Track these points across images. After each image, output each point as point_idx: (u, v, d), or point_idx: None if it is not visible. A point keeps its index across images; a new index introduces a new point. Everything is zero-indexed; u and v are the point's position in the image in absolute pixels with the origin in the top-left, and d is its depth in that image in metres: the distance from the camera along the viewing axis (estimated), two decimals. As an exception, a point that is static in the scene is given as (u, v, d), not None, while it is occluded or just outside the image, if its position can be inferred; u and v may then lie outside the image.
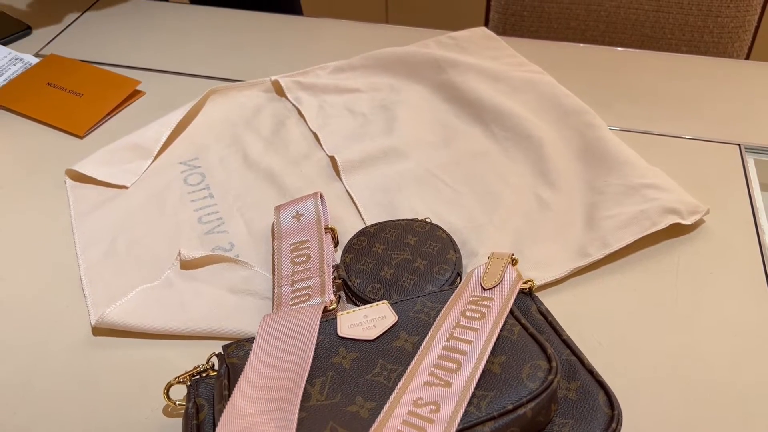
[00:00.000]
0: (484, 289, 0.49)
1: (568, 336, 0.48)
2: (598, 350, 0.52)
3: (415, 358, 0.45)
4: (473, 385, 0.42)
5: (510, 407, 0.41)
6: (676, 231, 0.61)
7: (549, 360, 0.43)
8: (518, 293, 0.51)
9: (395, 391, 0.43)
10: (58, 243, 0.62)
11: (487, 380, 0.43)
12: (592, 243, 0.59)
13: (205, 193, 0.67)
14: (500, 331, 0.46)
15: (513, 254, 0.52)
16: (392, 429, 0.40)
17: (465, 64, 0.79)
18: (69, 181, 0.68)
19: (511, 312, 0.47)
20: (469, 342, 0.45)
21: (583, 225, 0.61)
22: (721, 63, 0.84)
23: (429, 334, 0.46)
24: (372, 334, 0.47)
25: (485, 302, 0.48)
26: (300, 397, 0.42)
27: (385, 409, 0.42)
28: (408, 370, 0.44)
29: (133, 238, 0.62)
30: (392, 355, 0.46)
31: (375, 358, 0.45)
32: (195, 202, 0.66)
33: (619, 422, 0.43)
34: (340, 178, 0.68)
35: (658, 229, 0.59)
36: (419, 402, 0.42)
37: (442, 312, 0.48)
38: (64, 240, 0.62)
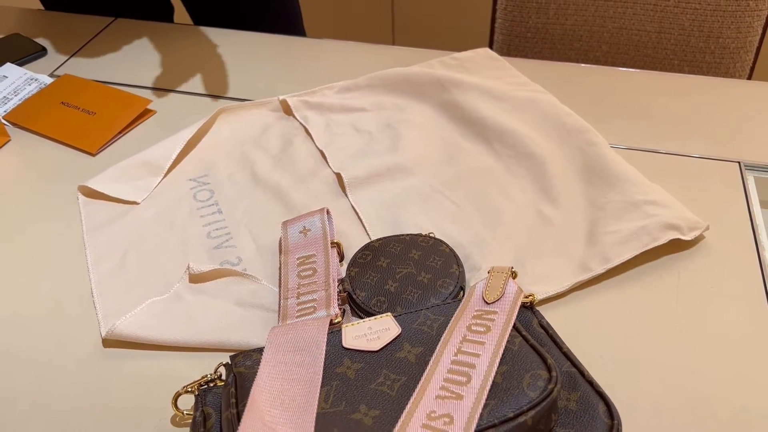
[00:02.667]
0: (486, 303, 0.50)
1: (568, 349, 0.49)
2: (598, 363, 0.53)
3: (426, 371, 0.46)
4: (484, 397, 0.43)
5: (511, 415, 0.42)
6: (676, 247, 0.62)
7: (549, 370, 0.44)
8: (519, 307, 0.52)
9: (408, 404, 0.44)
10: (70, 257, 0.63)
11: (489, 389, 0.43)
12: (593, 258, 0.60)
13: (213, 209, 0.68)
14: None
15: (512, 267, 0.53)
16: None
17: (468, 83, 0.81)
18: (81, 197, 0.70)
19: (513, 324, 0.48)
20: (477, 355, 0.46)
21: (584, 240, 0.62)
22: (721, 82, 0.86)
23: (437, 348, 0.47)
24: (376, 346, 0.48)
25: (489, 316, 0.49)
26: (315, 410, 0.43)
27: (399, 423, 0.42)
28: (420, 384, 0.45)
29: (143, 253, 0.63)
30: (396, 365, 0.47)
31: (379, 369, 0.46)
32: (204, 217, 0.67)
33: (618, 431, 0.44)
34: (346, 195, 0.69)
35: (659, 244, 0.60)
36: (432, 415, 0.43)
37: (449, 326, 0.49)
38: (76, 254, 0.64)
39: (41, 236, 0.66)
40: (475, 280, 0.56)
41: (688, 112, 0.80)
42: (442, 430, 0.42)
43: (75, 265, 0.63)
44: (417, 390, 0.45)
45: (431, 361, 0.46)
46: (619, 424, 0.44)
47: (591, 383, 0.46)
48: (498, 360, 0.45)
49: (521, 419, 0.42)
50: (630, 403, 0.50)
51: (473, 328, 0.49)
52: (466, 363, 0.46)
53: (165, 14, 1.13)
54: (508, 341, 0.47)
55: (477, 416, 0.42)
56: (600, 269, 0.59)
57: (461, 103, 0.79)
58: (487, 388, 0.44)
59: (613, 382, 0.52)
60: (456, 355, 0.47)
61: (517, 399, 0.42)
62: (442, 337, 0.48)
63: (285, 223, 0.62)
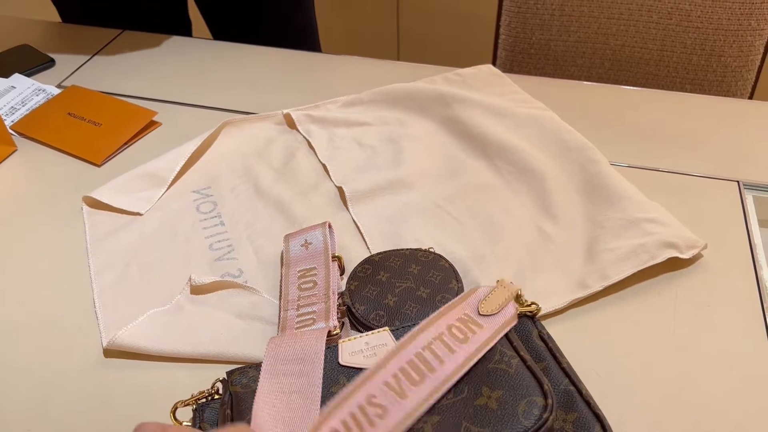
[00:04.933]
0: (479, 313, 0.50)
1: (568, 363, 0.49)
2: (595, 380, 0.53)
3: (390, 352, 0.46)
4: (425, 408, 0.43)
5: None
6: (674, 265, 0.62)
7: (545, 396, 0.44)
8: (521, 317, 0.52)
9: (360, 377, 0.44)
10: (73, 267, 0.64)
11: (483, 416, 0.43)
12: (591, 275, 0.60)
13: (216, 221, 0.69)
14: (497, 364, 0.46)
15: (520, 290, 0.53)
16: (337, 418, 0.42)
17: (471, 99, 0.81)
18: (86, 207, 0.70)
19: (510, 342, 0.48)
20: (442, 361, 0.46)
21: (583, 257, 0.63)
22: (722, 102, 0.86)
23: (412, 332, 0.47)
24: (372, 363, 0.48)
25: (474, 327, 0.49)
26: (314, 419, 0.43)
27: (343, 395, 0.43)
28: (379, 361, 0.45)
29: (146, 264, 0.64)
30: None
31: None
32: (206, 229, 0.68)
33: (614, 455, 0.44)
34: (347, 208, 0.70)
35: (657, 262, 0.60)
36: (372, 400, 0.43)
37: (433, 316, 0.49)
38: (80, 264, 0.64)
39: (45, 245, 0.66)
40: None
41: (688, 130, 0.81)
42: (370, 420, 0.42)
43: (78, 275, 0.63)
44: (375, 365, 0.45)
45: (399, 344, 0.47)
46: (615, 448, 0.44)
47: (588, 404, 0.46)
48: (459, 375, 0.45)
49: None
50: (626, 423, 0.50)
51: (453, 330, 0.48)
52: (428, 362, 0.46)
53: (183, 29, 1.14)
54: (504, 363, 0.46)
55: (408, 424, 0.42)
56: (598, 286, 0.59)
57: (464, 119, 0.79)
58: (434, 399, 0.44)
59: (610, 399, 0.52)
60: (423, 349, 0.46)
61: (511, 427, 0.42)
62: (421, 324, 0.48)
63: (287, 237, 0.63)
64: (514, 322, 0.50)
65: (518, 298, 0.53)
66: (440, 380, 0.45)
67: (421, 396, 0.44)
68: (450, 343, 0.47)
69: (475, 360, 0.47)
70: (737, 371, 0.54)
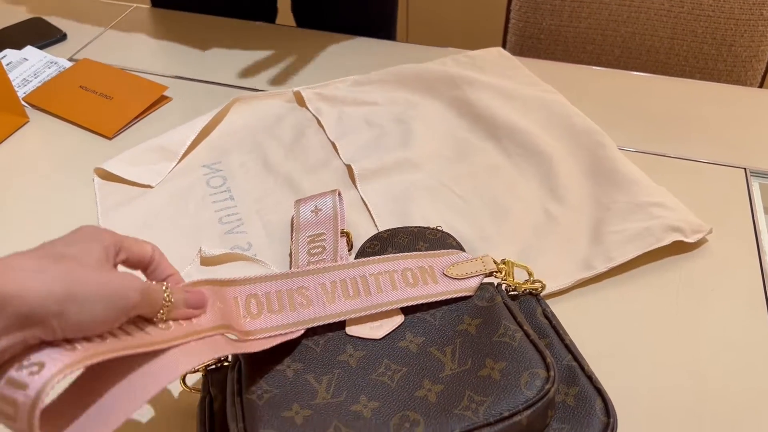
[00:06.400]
0: (443, 273, 0.52)
1: (570, 340, 0.50)
2: (597, 359, 0.54)
3: (340, 264, 0.50)
4: (341, 318, 0.48)
5: (506, 414, 0.42)
6: (679, 249, 0.63)
7: (548, 369, 0.44)
8: (525, 295, 0.53)
9: (303, 271, 0.49)
10: (84, 237, 0.65)
11: (486, 385, 0.44)
12: (596, 256, 0.61)
13: (226, 195, 0.70)
14: (501, 337, 0.47)
15: (499, 272, 0.53)
16: (265, 288, 0.47)
17: (480, 81, 0.82)
18: (97, 178, 0.71)
19: (514, 317, 0.49)
20: (381, 291, 0.49)
21: (589, 239, 0.63)
22: (731, 89, 0.87)
23: (367, 258, 0.51)
24: (379, 334, 0.49)
25: (429, 279, 0.51)
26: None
27: (282, 273, 0.48)
28: (327, 266, 0.50)
29: (156, 235, 0.65)
30: (397, 355, 0.47)
31: (380, 358, 0.47)
32: (216, 203, 0.69)
33: (614, 429, 0.44)
34: (356, 186, 0.70)
35: (662, 245, 0.61)
36: (303, 291, 0.48)
37: (397, 255, 0.52)
38: (91, 234, 0.65)
39: (56, 215, 0.67)
40: None
41: (697, 117, 0.81)
42: (292, 304, 0.47)
43: (89, 245, 0.64)
44: (322, 267, 0.50)
45: (350, 262, 0.51)
46: (615, 422, 0.45)
47: (590, 378, 0.47)
48: (386, 308, 0.49)
49: (516, 418, 0.42)
50: (627, 400, 0.51)
51: (407, 274, 0.51)
52: (367, 286, 0.49)
53: (268, 16, 1.12)
54: (508, 336, 0.47)
55: (320, 324, 0.48)
56: (603, 267, 0.60)
57: (472, 101, 0.80)
58: (350, 316, 0.48)
59: (612, 378, 0.52)
60: (370, 276, 0.50)
61: (513, 398, 0.42)
62: (381, 256, 0.51)
63: (297, 202, 0.64)
64: (470, 294, 0.51)
65: (491, 275, 0.53)
66: (368, 304, 0.49)
67: (345, 308, 0.48)
68: (397, 282, 0.50)
69: (410, 304, 0.49)
70: (738, 354, 0.55)
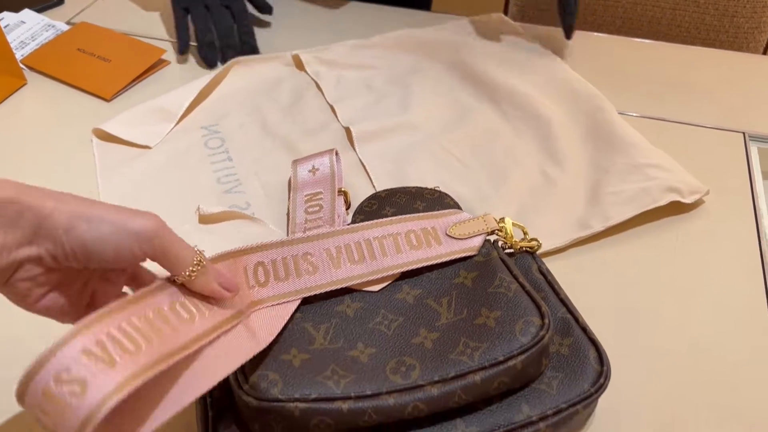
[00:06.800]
0: (446, 233, 0.52)
1: (565, 295, 0.50)
2: (592, 314, 0.54)
3: (343, 229, 0.50)
4: (349, 284, 0.48)
5: (501, 359, 0.42)
6: (676, 209, 0.63)
7: (542, 317, 0.45)
8: (521, 252, 0.53)
9: (306, 236, 0.49)
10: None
11: (481, 333, 0.44)
12: (593, 216, 0.61)
13: (224, 156, 0.70)
14: (497, 288, 0.47)
15: (500, 229, 0.53)
16: (271, 255, 0.47)
17: (480, 46, 0.82)
18: (95, 139, 0.71)
19: (510, 270, 0.49)
20: (385, 254, 0.49)
21: (586, 200, 0.64)
22: (732, 56, 0.86)
23: (370, 222, 0.51)
24: (376, 287, 0.50)
25: (433, 241, 0.51)
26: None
27: (284, 240, 0.48)
28: (330, 231, 0.50)
29: (155, 195, 0.65)
30: (394, 306, 0.48)
31: (378, 308, 0.48)
32: (214, 164, 0.69)
33: (607, 377, 0.45)
34: (354, 149, 0.70)
35: (659, 205, 0.61)
36: (308, 257, 0.48)
37: (399, 217, 0.52)
38: (90, 195, 0.65)
39: (55, 176, 0.67)
40: None
41: (698, 82, 0.81)
42: (298, 271, 0.47)
43: (87, 204, 0.64)
44: (325, 232, 0.50)
45: (353, 226, 0.50)
46: (609, 370, 0.45)
47: (584, 330, 0.48)
48: (391, 273, 0.49)
49: (511, 363, 0.42)
50: (621, 352, 0.51)
51: (410, 236, 0.51)
52: (371, 250, 0.49)
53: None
54: (504, 287, 0.47)
55: (327, 290, 0.47)
56: (600, 227, 0.60)
57: (472, 65, 0.79)
58: (358, 281, 0.48)
59: (606, 331, 0.53)
60: (374, 239, 0.49)
61: (508, 344, 0.43)
62: (384, 219, 0.51)
63: (295, 162, 0.64)
64: (473, 254, 0.51)
65: (493, 233, 0.53)
66: (373, 269, 0.49)
67: (352, 273, 0.48)
68: (401, 245, 0.50)
69: (415, 267, 0.49)
70: (731, 312, 0.55)
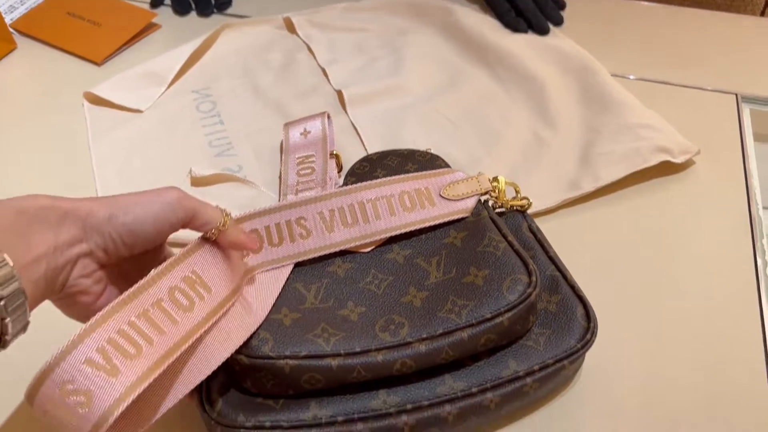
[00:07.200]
0: (440, 194, 0.51)
1: (555, 253, 0.51)
2: (581, 273, 0.55)
3: (337, 191, 0.50)
4: (342, 247, 0.48)
5: (488, 316, 0.43)
6: (667, 170, 0.63)
7: (530, 275, 0.45)
8: (511, 211, 0.54)
9: (297, 200, 0.49)
10: (75, 161, 0.65)
11: (469, 291, 0.45)
12: (584, 177, 0.61)
13: (215, 120, 0.69)
14: (486, 247, 0.48)
15: (495, 189, 0.53)
16: (265, 222, 0.47)
17: (473, 8, 0.81)
18: (87, 103, 0.71)
19: (499, 229, 0.50)
20: (378, 217, 0.49)
21: (577, 161, 0.64)
22: (724, 17, 0.86)
23: (364, 183, 0.51)
24: (367, 248, 0.50)
25: (427, 202, 0.51)
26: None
27: (276, 205, 0.48)
28: (323, 194, 0.49)
29: (147, 158, 0.65)
30: (384, 266, 0.48)
31: (368, 268, 0.48)
32: (206, 127, 0.69)
33: (594, 334, 0.46)
34: (346, 111, 0.70)
35: (649, 165, 0.61)
36: (301, 221, 0.48)
37: (392, 178, 0.51)
38: (82, 158, 0.65)
39: (47, 140, 0.67)
40: None
41: (691, 44, 0.80)
42: (292, 236, 0.48)
43: (80, 170, 0.64)
44: (316, 196, 0.49)
45: (347, 188, 0.50)
46: (595, 326, 0.46)
47: (572, 287, 0.48)
48: (381, 236, 0.49)
49: (498, 320, 0.43)
50: (609, 309, 0.52)
51: (404, 197, 0.50)
52: (365, 213, 0.49)
53: None
54: (492, 246, 0.48)
55: (320, 254, 0.48)
56: (590, 187, 0.60)
57: (465, 27, 0.79)
58: (351, 245, 0.48)
59: (594, 289, 0.53)
60: (368, 202, 0.49)
61: (495, 301, 0.44)
62: (377, 180, 0.51)
63: (287, 125, 0.64)
64: (466, 215, 0.51)
65: (493, 194, 0.53)
66: (366, 232, 0.49)
67: (345, 237, 0.48)
68: (395, 207, 0.50)
69: (409, 230, 0.49)
70: (718, 273, 0.56)
